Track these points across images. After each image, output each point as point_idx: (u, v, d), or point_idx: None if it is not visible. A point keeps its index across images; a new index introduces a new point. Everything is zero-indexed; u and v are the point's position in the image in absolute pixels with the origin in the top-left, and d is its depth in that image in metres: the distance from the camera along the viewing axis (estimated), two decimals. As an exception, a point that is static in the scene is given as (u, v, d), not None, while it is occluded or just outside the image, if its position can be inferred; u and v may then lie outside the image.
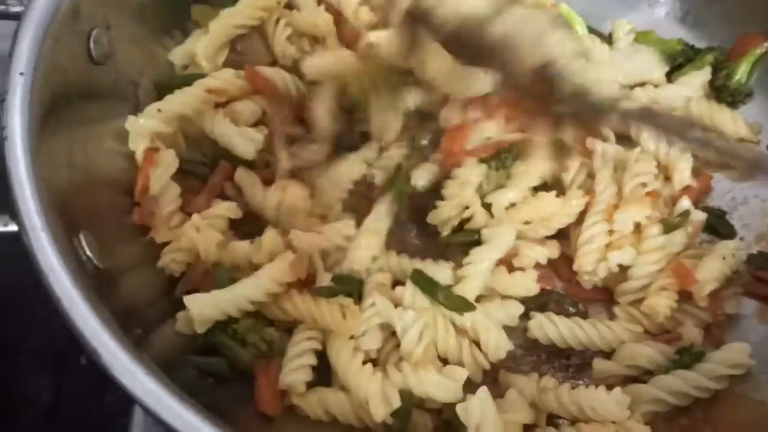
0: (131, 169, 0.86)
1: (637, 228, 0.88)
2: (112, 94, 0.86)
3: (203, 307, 0.76)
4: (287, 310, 0.79)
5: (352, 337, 0.79)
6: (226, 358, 0.78)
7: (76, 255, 0.66)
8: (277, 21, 0.95)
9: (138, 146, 0.85)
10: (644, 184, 0.89)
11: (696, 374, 0.78)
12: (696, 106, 0.99)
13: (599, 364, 0.83)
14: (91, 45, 0.81)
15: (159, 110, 0.85)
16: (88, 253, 0.69)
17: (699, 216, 0.91)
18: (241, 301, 0.76)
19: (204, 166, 0.90)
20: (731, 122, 0.98)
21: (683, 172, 0.93)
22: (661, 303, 0.84)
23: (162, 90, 0.91)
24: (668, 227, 0.88)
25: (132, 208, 0.84)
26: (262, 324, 0.79)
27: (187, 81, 0.91)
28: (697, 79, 1.00)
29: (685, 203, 0.91)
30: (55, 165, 0.71)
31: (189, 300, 0.76)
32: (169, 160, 0.86)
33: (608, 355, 0.84)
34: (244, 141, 0.86)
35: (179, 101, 0.87)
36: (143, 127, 0.85)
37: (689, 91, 0.99)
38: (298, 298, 0.79)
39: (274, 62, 0.95)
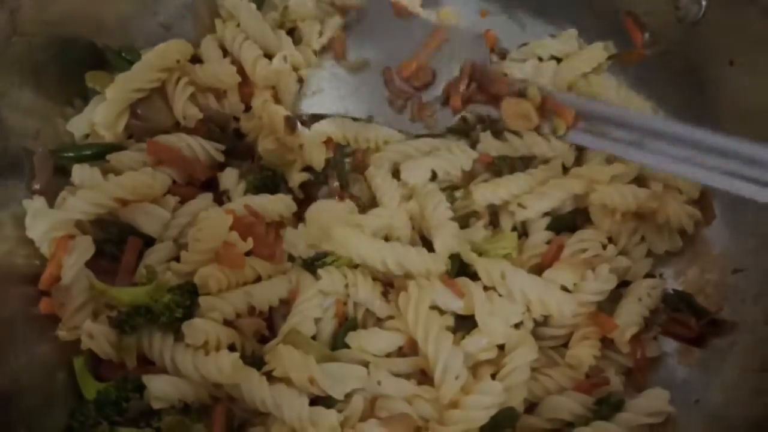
0: (33, 256, 0.81)
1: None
2: (2, 169, 0.82)
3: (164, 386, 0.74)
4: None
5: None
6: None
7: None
8: (178, 80, 0.91)
9: (45, 233, 0.80)
10: (584, 250, 0.88)
11: (615, 425, 0.77)
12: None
13: (524, 421, 0.81)
14: (-26, 115, 0.76)
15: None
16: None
17: (624, 263, 0.89)
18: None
19: (110, 244, 0.84)
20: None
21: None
22: (586, 352, 0.83)
23: (61, 161, 0.86)
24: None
25: (34, 297, 0.79)
26: (190, 420, 0.73)
27: (88, 150, 0.88)
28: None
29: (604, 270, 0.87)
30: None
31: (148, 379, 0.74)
32: (84, 247, 0.79)
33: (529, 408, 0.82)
34: (150, 219, 0.82)
35: (88, 202, 0.81)
36: (50, 216, 0.80)
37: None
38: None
39: (177, 124, 0.91)
